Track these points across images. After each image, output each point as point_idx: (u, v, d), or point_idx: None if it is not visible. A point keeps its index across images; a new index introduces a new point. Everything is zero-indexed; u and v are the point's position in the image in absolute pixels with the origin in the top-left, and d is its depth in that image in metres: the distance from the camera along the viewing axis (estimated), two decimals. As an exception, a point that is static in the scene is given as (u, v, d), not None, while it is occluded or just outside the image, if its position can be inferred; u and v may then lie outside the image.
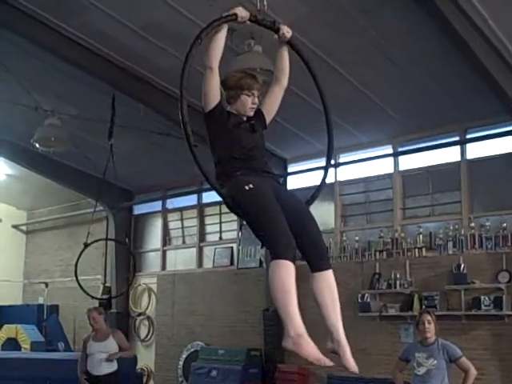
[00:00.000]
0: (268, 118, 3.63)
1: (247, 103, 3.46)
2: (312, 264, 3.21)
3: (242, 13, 3.29)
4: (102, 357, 7.50)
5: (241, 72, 3.58)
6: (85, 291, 10.14)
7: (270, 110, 3.64)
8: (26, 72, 9.66)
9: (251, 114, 3.51)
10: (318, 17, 7.53)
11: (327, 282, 3.21)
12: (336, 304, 3.21)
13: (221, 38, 3.28)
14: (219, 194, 3.22)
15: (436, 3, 6.46)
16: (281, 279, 2.98)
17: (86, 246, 9.89)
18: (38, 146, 10.43)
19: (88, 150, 12.31)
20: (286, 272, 2.98)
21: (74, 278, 10.07)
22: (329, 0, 7.15)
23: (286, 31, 3.48)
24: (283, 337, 2.98)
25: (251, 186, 3.18)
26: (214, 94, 3.33)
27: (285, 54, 3.58)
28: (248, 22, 3.36)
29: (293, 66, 8.93)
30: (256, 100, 3.51)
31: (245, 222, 3.39)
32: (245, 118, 3.50)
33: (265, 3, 3.43)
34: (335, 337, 3.19)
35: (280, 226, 3.06)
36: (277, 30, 3.46)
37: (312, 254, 3.20)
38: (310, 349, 2.95)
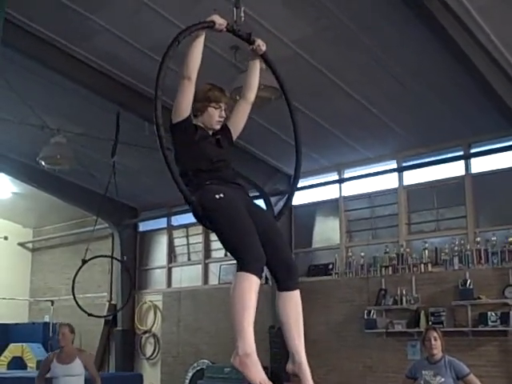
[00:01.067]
0: (235, 135, 3.54)
1: (214, 116, 3.39)
2: (280, 283, 3.13)
3: (218, 20, 3.25)
4: (68, 381, 6.79)
5: (209, 84, 3.47)
6: (81, 309, 10.17)
7: (237, 126, 3.55)
8: (32, 91, 9.74)
9: (218, 127, 3.43)
10: (322, 36, 7.60)
11: (294, 303, 3.14)
12: (300, 326, 3.15)
13: (199, 47, 3.24)
14: (188, 200, 3.09)
15: (438, 19, 6.50)
16: (242, 293, 2.88)
17: (84, 262, 9.93)
18: (43, 164, 10.48)
19: (93, 167, 12.37)
20: (250, 286, 2.89)
21: (80, 296, 10.09)
22: (332, 19, 7.21)
23: (261, 44, 3.42)
24: (233, 354, 2.89)
25: (221, 195, 3.10)
26: (186, 105, 3.27)
27: (255, 69, 3.52)
28: (224, 31, 3.31)
29: (295, 83, 8.99)
30: (223, 113, 3.43)
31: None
32: (211, 133, 3.41)
33: (242, 14, 3.44)
34: (297, 359, 3.11)
35: (251, 238, 2.98)
36: (252, 42, 3.41)
37: (281, 273, 3.11)
38: (254, 371, 2.87)
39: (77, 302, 9.94)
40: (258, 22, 7.25)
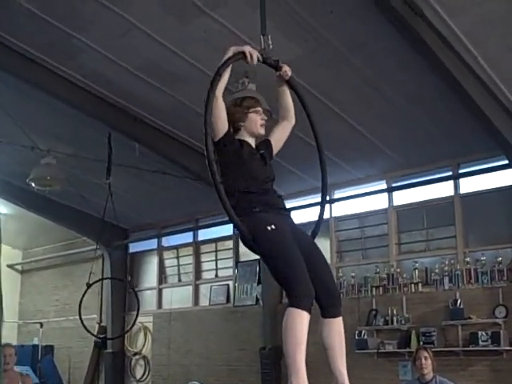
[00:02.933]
0: (275, 149, 3.66)
1: (257, 120, 3.50)
2: (324, 310, 3.25)
3: (247, 50, 3.37)
4: None
5: (237, 98, 3.60)
6: (89, 331, 10.04)
7: (278, 142, 3.68)
8: (21, 112, 9.75)
9: (263, 131, 3.54)
10: (313, 58, 7.67)
11: (338, 329, 3.30)
12: (343, 350, 3.34)
13: (227, 72, 3.34)
14: (240, 230, 3.18)
15: (426, 41, 6.58)
16: (295, 330, 3.00)
17: (89, 286, 9.79)
18: (33, 185, 10.46)
19: (84, 188, 12.36)
20: (302, 323, 3.01)
21: (70, 318, 10.00)
22: (321, 41, 7.28)
23: (288, 70, 3.58)
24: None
25: (273, 226, 3.18)
26: (221, 121, 3.32)
27: (286, 92, 3.66)
28: (257, 62, 3.44)
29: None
30: (264, 116, 3.54)
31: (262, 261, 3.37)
32: (254, 146, 3.50)
33: (270, 42, 3.52)
34: (340, 381, 3.31)
35: (301, 274, 3.07)
36: (279, 69, 3.56)
37: (325, 300, 3.23)
38: None
39: (84, 325, 9.84)
40: (247, 43, 7.30)
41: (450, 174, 9.85)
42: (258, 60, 3.46)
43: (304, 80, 8.16)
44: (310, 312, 3.04)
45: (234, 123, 3.45)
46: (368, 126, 9.11)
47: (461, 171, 9.78)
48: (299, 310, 3.00)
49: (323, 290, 3.19)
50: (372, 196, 10.66)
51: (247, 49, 3.38)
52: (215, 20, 6.97)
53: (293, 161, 10.38)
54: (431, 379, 6.34)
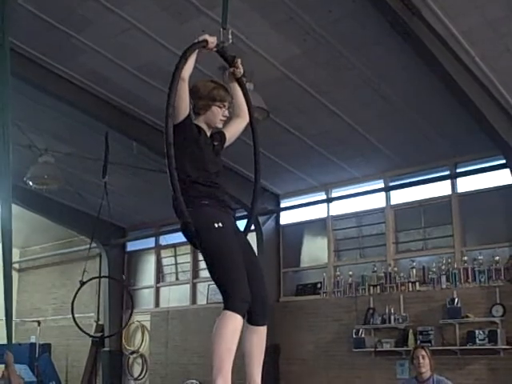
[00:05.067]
0: (226, 144, 3.57)
1: (218, 115, 3.41)
2: (252, 317, 3.20)
3: (210, 39, 3.30)
4: None
5: (212, 82, 3.50)
6: (82, 330, 10.05)
7: (231, 137, 3.59)
8: (19, 111, 9.72)
9: (221, 126, 3.46)
10: (311, 56, 7.68)
11: (261, 338, 3.27)
12: (261, 359, 3.29)
13: (193, 56, 3.26)
14: (184, 220, 3.07)
15: (424, 42, 6.60)
16: (228, 335, 2.95)
17: (82, 284, 9.81)
18: (31, 183, 10.45)
19: (81, 187, 12.35)
20: (237, 329, 2.98)
21: (67, 317, 10.00)
22: (319, 40, 7.29)
23: (241, 68, 3.50)
24: None
25: (220, 224, 3.11)
26: (184, 104, 3.22)
27: (238, 90, 3.58)
28: (214, 50, 3.38)
29: (285, 103, 9.08)
30: (227, 113, 3.46)
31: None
32: (208, 135, 3.42)
33: (230, 36, 3.50)
34: None
35: (241, 278, 3.03)
36: (233, 65, 3.50)
37: (256, 308, 3.16)
38: None
39: (77, 324, 9.85)
40: (246, 44, 7.33)
41: (447, 173, 9.88)
42: (217, 51, 3.41)
43: (302, 79, 8.20)
44: (243, 317, 3.02)
45: (195, 108, 3.37)
46: (366, 125, 9.13)
47: (458, 170, 9.81)
48: (235, 314, 2.97)
49: (255, 297, 3.13)
50: (369, 195, 10.68)
51: (209, 37, 3.31)
52: (213, 20, 6.96)
53: (290, 160, 10.40)
54: (429, 378, 6.37)
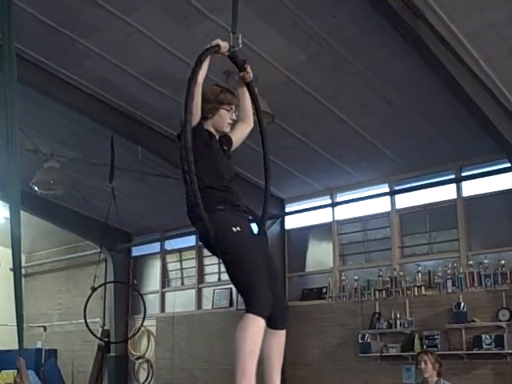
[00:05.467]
0: (233, 148, 3.58)
1: (226, 118, 3.42)
2: (273, 321, 3.18)
3: (222, 43, 3.32)
4: None
5: (218, 86, 3.51)
6: (94, 334, 10.05)
7: (237, 141, 3.61)
8: (24, 116, 9.76)
9: (228, 130, 3.47)
10: (315, 61, 7.69)
11: (281, 341, 3.28)
12: (280, 362, 3.29)
13: (207, 60, 3.27)
14: (205, 226, 3.04)
15: (428, 45, 6.60)
16: (252, 339, 2.95)
17: (94, 289, 9.82)
18: (36, 189, 10.47)
19: (87, 192, 12.38)
20: (259, 332, 2.97)
21: (73, 322, 10.02)
22: (323, 45, 7.30)
23: (251, 73, 3.51)
24: None
25: (238, 228, 3.11)
26: (198, 109, 3.22)
27: (246, 95, 3.59)
28: (226, 54, 3.39)
29: (290, 108, 9.08)
30: (234, 116, 3.48)
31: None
32: (217, 137, 3.43)
33: (239, 41, 3.52)
34: None
35: (263, 281, 3.03)
36: (242, 69, 3.51)
37: (275, 311, 3.15)
38: None
39: (89, 329, 9.86)
40: (250, 48, 7.34)
41: (452, 177, 9.86)
42: (228, 55, 3.41)
43: (306, 84, 8.21)
44: (266, 320, 3.01)
45: (203, 112, 3.33)
46: (370, 129, 9.13)
47: (463, 174, 9.79)
48: (258, 317, 2.96)
49: (275, 300, 3.12)
50: (375, 199, 10.67)
51: (221, 42, 3.33)
52: (218, 24, 6.98)
53: (295, 164, 10.40)
54: (435, 383, 6.34)
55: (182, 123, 3.18)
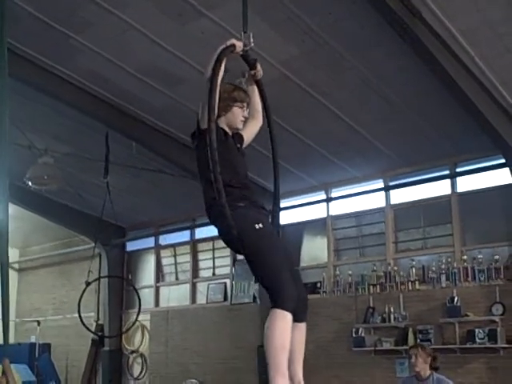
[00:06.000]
0: (244, 145, 3.65)
1: (239, 115, 3.49)
2: (295, 314, 3.18)
3: (237, 43, 3.39)
4: None
5: (231, 85, 3.56)
6: (88, 329, 10.07)
7: (248, 138, 3.69)
8: (19, 111, 9.73)
9: (241, 126, 3.54)
10: (310, 57, 7.69)
11: (302, 334, 3.33)
12: (302, 354, 3.35)
13: (224, 60, 3.31)
14: (229, 225, 3.05)
15: (424, 42, 6.61)
16: (281, 334, 3.00)
17: (88, 284, 9.83)
18: (30, 184, 10.45)
19: (81, 187, 12.36)
20: (287, 327, 3.01)
21: (67, 316, 10.02)
22: (319, 41, 7.29)
23: (261, 71, 3.60)
24: None
25: (261, 225, 3.14)
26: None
27: (256, 93, 3.67)
28: (240, 53, 3.46)
29: (285, 104, 9.05)
30: (246, 113, 3.54)
31: (242, 258, 3.30)
32: (231, 135, 3.49)
33: (251, 40, 3.54)
34: (296, 381, 3.28)
35: (287, 276, 3.07)
36: (253, 68, 3.58)
37: (298, 304, 3.18)
38: None
39: (83, 323, 9.87)
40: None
41: (447, 172, 9.89)
42: (241, 54, 3.48)
43: (301, 80, 8.20)
44: (293, 314, 3.06)
45: (217, 110, 3.36)
46: (365, 125, 9.14)
47: (458, 170, 9.82)
48: (285, 312, 3.01)
49: (297, 293, 3.17)
50: (369, 194, 10.69)
51: (236, 42, 3.39)
52: (213, 21, 6.97)
53: (289, 159, 10.40)
54: (428, 376, 6.38)
55: (198, 122, 3.28)
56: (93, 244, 14.10)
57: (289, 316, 3.02)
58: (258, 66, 3.58)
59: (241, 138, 3.60)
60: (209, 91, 3.12)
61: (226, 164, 3.25)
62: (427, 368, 6.39)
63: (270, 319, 3.03)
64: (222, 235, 3.26)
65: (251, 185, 3.42)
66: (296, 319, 3.21)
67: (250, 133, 3.69)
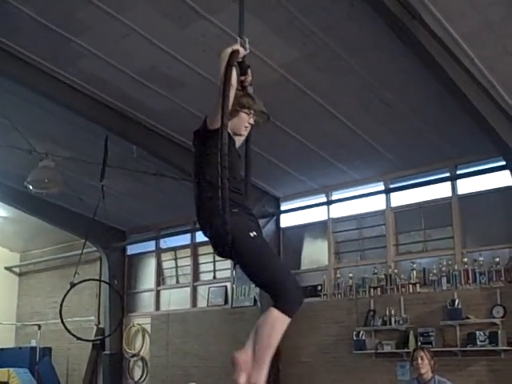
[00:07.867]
0: None
1: (244, 121, 3.47)
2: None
3: (241, 49, 3.38)
4: None
5: (240, 90, 3.53)
6: (70, 332, 10.08)
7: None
8: (20, 115, 9.76)
9: (245, 133, 3.52)
10: (310, 60, 7.70)
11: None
12: None
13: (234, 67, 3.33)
14: (224, 230, 3.02)
15: (424, 44, 6.62)
16: (279, 337, 3.03)
17: (73, 285, 9.85)
18: (31, 188, 10.45)
19: (81, 191, 12.36)
20: (283, 329, 3.04)
21: (68, 320, 10.01)
22: (319, 43, 7.30)
23: (250, 78, 3.55)
24: (238, 364, 3.06)
25: (255, 233, 3.13)
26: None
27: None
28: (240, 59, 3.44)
29: (285, 107, 9.07)
30: (252, 120, 3.51)
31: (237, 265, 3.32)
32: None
33: (247, 45, 3.54)
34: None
35: (291, 277, 3.10)
36: (244, 74, 3.54)
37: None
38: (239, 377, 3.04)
39: (65, 326, 9.85)
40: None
41: (447, 175, 9.89)
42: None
43: (301, 82, 8.21)
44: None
45: None
46: (365, 127, 9.14)
47: (458, 172, 9.82)
48: (286, 317, 3.01)
49: None
50: (370, 197, 10.69)
51: (239, 47, 3.38)
52: (214, 24, 6.99)
53: (290, 162, 10.42)
54: (430, 379, 6.38)
55: (204, 125, 3.30)
56: (94, 248, 14.17)
57: (288, 320, 3.03)
58: (249, 72, 3.54)
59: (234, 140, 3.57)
60: (223, 96, 3.13)
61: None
62: (430, 370, 6.41)
63: (271, 318, 3.02)
64: (213, 238, 3.21)
65: (243, 190, 3.39)
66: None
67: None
